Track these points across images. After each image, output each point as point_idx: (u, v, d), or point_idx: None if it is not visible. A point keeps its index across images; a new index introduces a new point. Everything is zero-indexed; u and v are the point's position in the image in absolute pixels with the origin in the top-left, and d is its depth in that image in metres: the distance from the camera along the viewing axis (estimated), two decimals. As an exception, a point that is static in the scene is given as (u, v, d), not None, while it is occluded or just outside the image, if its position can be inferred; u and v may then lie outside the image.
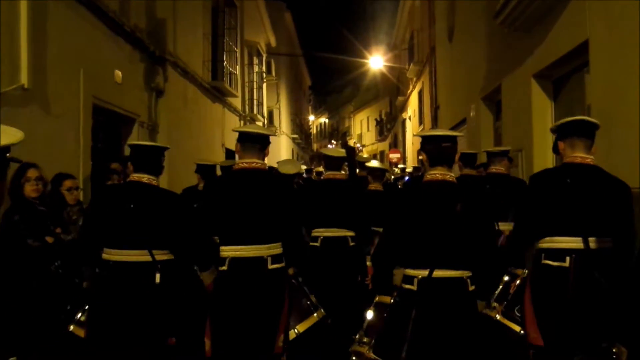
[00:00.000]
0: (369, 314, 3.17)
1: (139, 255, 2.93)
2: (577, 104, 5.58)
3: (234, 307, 2.90)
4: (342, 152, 4.32)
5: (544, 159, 5.92)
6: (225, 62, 10.38)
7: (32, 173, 3.58)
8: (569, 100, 5.81)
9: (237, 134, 3.05)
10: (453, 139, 2.58)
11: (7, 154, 1.64)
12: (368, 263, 4.04)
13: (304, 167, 11.91)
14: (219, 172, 6.22)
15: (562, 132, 2.86)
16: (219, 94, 10.38)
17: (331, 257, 4.01)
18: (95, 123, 5.78)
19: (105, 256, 2.98)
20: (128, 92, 6.23)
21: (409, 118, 19.97)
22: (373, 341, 2.90)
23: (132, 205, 2.95)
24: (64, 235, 3.77)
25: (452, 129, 11.61)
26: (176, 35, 7.68)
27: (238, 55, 12.03)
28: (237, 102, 12.15)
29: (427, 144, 2.60)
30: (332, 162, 4.24)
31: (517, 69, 6.54)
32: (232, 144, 11.71)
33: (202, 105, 9.41)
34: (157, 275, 2.92)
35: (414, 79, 17.96)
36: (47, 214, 3.67)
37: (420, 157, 2.89)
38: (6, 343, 1.87)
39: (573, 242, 2.69)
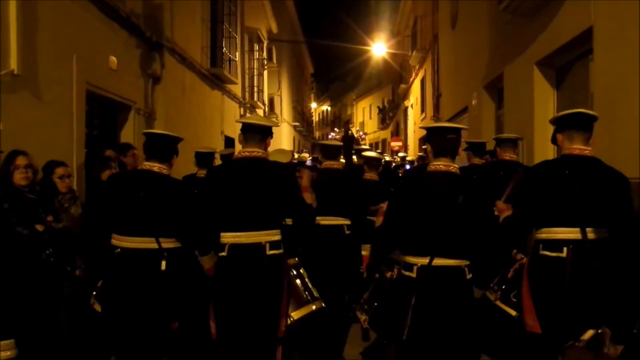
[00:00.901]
0: (373, 285, 3.30)
1: (146, 243, 2.98)
2: (580, 92, 5.47)
3: (234, 292, 2.97)
4: (338, 142, 4.47)
5: (545, 147, 5.83)
6: (224, 49, 10.25)
7: (21, 160, 3.51)
8: (571, 88, 5.70)
9: (236, 122, 3.19)
10: (458, 131, 2.64)
11: None
12: (363, 252, 4.14)
13: (306, 155, 11.86)
14: (218, 161, 6.22)
15: (561, 125, 2.87)
16: (218, 81, 10.26)
17: (327, 245, 4.04)
18: (90, 110, 5.70)
19: (114, 242, 3.04)
20: (124, 79, 6.13)
21: (411, 106, 19.81)
22: (369, 313, 3.04)
23: (141, 194, 2.99)
24: (55, 224, 3.72)
25: (454, 117, 11.51)
26: (173, 21, 7.55)
27: (238, 41, 11.89)
28: (236, 89, 12.03)
29: (433, 135, 2.65)
30: (328, 152, 4.34)
31: (520, 56, 6.42)
32: (231, 132, 11.66)
33: (201, 93, 9.31)
34: (163, 263, 2.96)
35: (417, 66, 17.78)
36: (37, 202, 3.61)
37: (424, 147, 2.89)
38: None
39: (571, 233, 2.72)
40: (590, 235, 2.70)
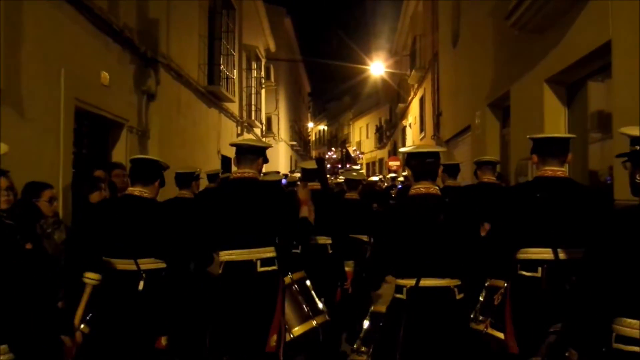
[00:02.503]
0: (366, 323, 3.34)
1: (125, 264, 3.13)
2: (593, 110, 5.24)
3: (227, 307, 3.09)
4: (313, 164, 4.60)
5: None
6: (222, 66, 10.03)
7: (3, 182, 3.21)
8: (584, 106, 5.46)
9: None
10: (436, 155, 2.71)
11: None
12: (347, 268, 4.33)
13: (298, 175, 11.61)
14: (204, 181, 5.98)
15: (536, 146, 2.96)
16: (215, 99, 10.02)
17: (311, 264, 4.05)
18: (79, 128, 5.41)
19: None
20: (116, 95, 5.86)
21: (410, 125, 19.64)
22: (371, 350, 3.04)
23: (121, 218, 3.16)
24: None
25: (456, 136, 11.30)
26: (169, 37, 7.32)
27: (236, 59, 11.69)
28: (234, 107, 11.79)
29: (412, 159, 2.72)
30: (307, 174, 4.43)
31: (528, 73, 6.19)
32: (228, 151, 11.30)
33: (197, 110, 9.05)
34: (141, 283, 3.10)
35: (415, 85, 17.64)
36: (15, 228, 3.29)
37: (404, 173, 2.81)
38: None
39: (544, 253, 2.81)
40: (562, 255, 2.77)
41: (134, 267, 3.10)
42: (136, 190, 3.20)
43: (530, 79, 6.17)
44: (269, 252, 3.11)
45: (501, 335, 3.09)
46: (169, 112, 7.46)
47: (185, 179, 5.04)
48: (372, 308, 3.44)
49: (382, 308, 2.99)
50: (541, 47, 5.74)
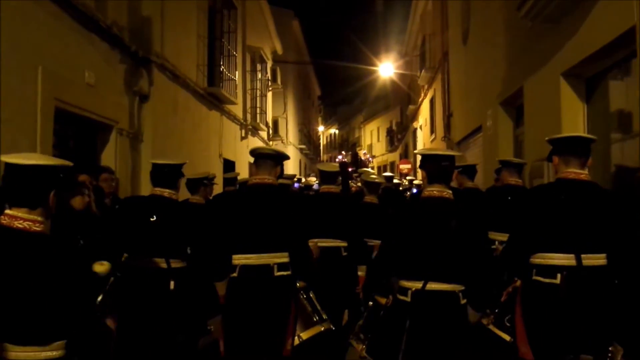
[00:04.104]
0: (367, 312, 3.34)
1: (157, 263, 3.28)
2: (615, 105, 4.80)
3: (243, 311, 3.09)
4: (335, 167, 4.61)
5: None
6: (222, 67, 9.72)
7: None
8: (604, 101, 5.03)
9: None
10: (451, 159, 2.69)
11: None
12: (360, 273, 4.24)
13: (313, 179, 11.25)
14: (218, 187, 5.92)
15: (558, 147, 2.86)
16: (216, 101, 9.70)
17: (325, 266, 4.07)
18: (63, 130, 5.11)
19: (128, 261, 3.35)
20: (103, 96, 5.55)
21: (420, 127, 19.19)
22: (367, 342, 3.07)
23: (153, 217, 3.33)
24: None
25: (467, 137, 10.87)
26: (164, 36, 7.01)
27: (239, 60, 11.38)
28: (237, 110, 11.47)
29: (427, 162, 2.70)
30: (326, 177, 4.45)
31: (543, 67, 5.77)
32: (231, 155, 11.04)
33: (197, 113, 8.73)
34: (172, 282, 3.26)
35: (426, 86, 17.21)
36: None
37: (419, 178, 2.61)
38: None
39: (565, 259, 2.69)
40: (586, 261, 2.65)
41: (164, 266, 3.27)
42: (165, 192, 3.40)
43: (545, 74, 5.74)
44: (284, 257, 3.15)
45: (503, 335, 3.14)
46: (164, 113, 7.15)
47: (196, 184, 5.00)
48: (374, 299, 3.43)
49: (383, 300, 3.03)
50: (556, 39, 5.32)
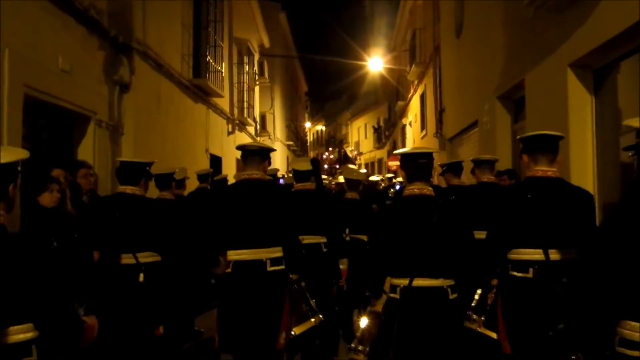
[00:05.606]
0: (363, 322, 3.32)
1: (125, 258, 3.45)
2: (625, 97, 4.54)
3: (237, 306, 3.16)
4: (308, 166, 4.59)
5: (582, 164, 4.88)
6: (209, 58, 9.32)
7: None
8: (614, 93, 4.77)
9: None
10: (429, 156, 2.72)
11: None
12: (342, 266, 4.40)
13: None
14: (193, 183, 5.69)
15: (526, 146, 2.97)
16: (202, 94, 9.30)
17: (308, 263, 4.06)
18: (35, 121, 4.70)
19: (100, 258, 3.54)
20: (80, 84, 5.14)
21: (410, 124, 18.94)
22: (367, 349, 3.03)
23: (117, 214, 3.49)
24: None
25: (461, 133, 10.61)
26: (146, 22, 6.61)
27: (225, 51, 10.97)
28: (224, 103, 11.07)
29: (405, 161, 2.74)
30: (300, 175, 4.46)
31: (547, 59, 5.49)
32: (217, 150, 10.61)
33: (181, 105, 8.33)
34: (141, 275, 3.42)
35: (416, 81, 16.94)
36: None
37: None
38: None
39: (535, 254, 2.83)
40: (553, 256, 2.80)
41: (133, 261, 3.42)
42: (128, 189, 3.55)
43: (549, 65, 5.46)
44: (277, 252, 3.20)
45: (493, 335, 3.15)
46: (147, 105, 6.75)
47: (165, 180, 4.85)
48: (369, 308, 3.41)
49: (379, 308, 2.99)
50: (562, 29, 5.04)
